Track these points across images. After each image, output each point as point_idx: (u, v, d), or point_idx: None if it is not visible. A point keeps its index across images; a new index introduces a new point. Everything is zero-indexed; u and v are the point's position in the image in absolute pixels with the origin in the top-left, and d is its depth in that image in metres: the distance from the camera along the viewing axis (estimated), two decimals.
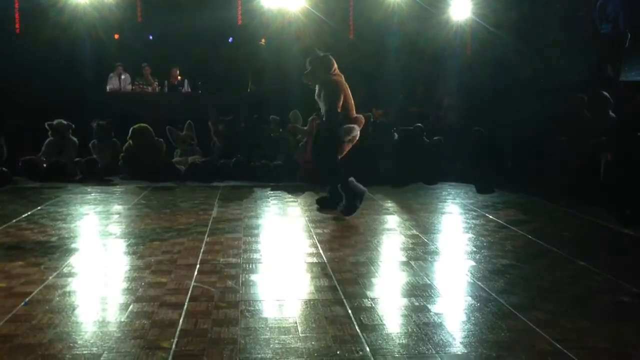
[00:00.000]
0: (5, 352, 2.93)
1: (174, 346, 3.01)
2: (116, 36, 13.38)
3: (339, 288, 3.95)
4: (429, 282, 4.12)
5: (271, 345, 3.03)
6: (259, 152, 9.58)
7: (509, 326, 3.32)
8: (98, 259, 4.70)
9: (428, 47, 12.41)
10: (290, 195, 7.70)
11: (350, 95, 6.39)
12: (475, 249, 5.05)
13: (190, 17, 12.20)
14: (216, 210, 6.62)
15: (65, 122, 9.21)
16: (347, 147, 6.38)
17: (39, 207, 6.65)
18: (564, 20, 10.90)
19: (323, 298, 3.76)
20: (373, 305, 3.64)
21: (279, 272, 4.37)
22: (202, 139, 10.02)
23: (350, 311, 3.52)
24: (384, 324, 3.33)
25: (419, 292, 3.88)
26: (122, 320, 3.34)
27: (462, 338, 3.16)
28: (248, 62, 12.56)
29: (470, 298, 3.80)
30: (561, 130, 8.38)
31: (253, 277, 4.19)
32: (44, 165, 8.84)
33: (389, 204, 7.16)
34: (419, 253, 4.88)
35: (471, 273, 4.35)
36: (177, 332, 3.17)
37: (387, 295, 3.87)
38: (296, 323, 3.33)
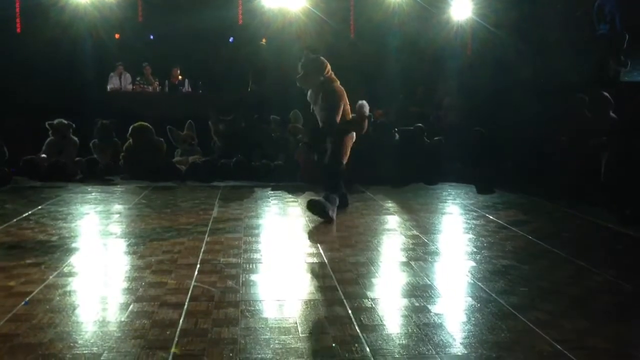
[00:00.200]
0: (6, 352, 2.93)
1: (174, 347, 3.01)
2: (117, 36, 13.40)
3: (339, 288, 3.95)
4: (429, 282, 4.12)
5: (271, 346, 3.03)
6: (259, 152, 9.59)
7: (509, 327, 3.32)
8: (98, 258, 4.70)
9: (428, 47, 12.41)
10: (290, 195, 7.70)
11: (347, 101, 6.38)
12: (475, 250, 5.05)
13: (191, 16, 12.21)
14: (216, 210, 6.62)
15: (65, 122, 9.22)
16: (349, 147, 6.38)
17: (39, 207, 6.65)
18: (564, 20, 10.90)
19: (323, 298, 3.76)
20: (373, 305, 3.64)
21: (279, 272, 4.37)
22: (202, 139, 10.03)
23: (350, 311, 3.52)
24: (384, 325, 3.34)
25: (419, 293, 3.88)
26: (123, 320, 3.34)
27: (462, 339, 3.16)
28: (249, 62, 12.57)
29: (470, 299, 3.80)
30: (562, 130, 8.38)
31: (253, 277, 4.19)
32: (45, 164, 8.84)
33: (390, 204, 7.16)
34: (419, 253, 4.88)
35: (471, 273, 4.35)
36: (178, 332, 3.17)
37: (388, 295, 3.87)
38: (296, 323, 3.33)
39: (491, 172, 8.72)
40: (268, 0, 12.37)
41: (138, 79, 12.51)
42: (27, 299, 3.65)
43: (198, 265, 4.42)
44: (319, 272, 4.33)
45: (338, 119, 6.24)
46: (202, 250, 4.88)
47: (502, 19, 11.52)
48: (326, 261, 4.60)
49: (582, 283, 4.16)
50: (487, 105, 10.33)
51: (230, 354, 2.93)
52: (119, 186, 8.34)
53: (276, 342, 3.08)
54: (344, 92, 6.33)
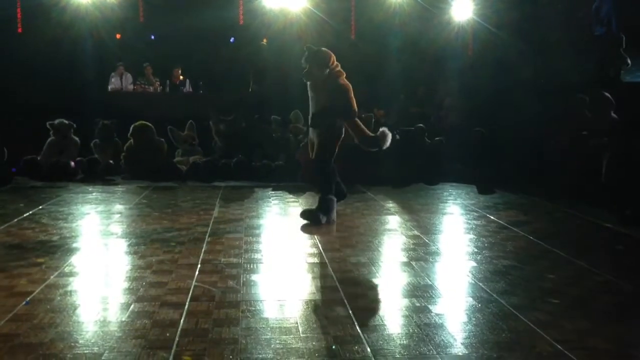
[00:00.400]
0: (7, 352, 2.93)
1: (175, 346, 3.01)
2: (118, 36, 13.40)
3: (340, 288, 3.95)
4: (430, 282, 4.12)
5: (272, 346, 3.03)
6: (260, 152, 9.59)
7: (510, 327, 3.32)
8: (99, 258, 4.70)
9: (429, 48, 12.42)
10: (291, 196, 7.70)
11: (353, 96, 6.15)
12: (476, 250, 5.05)
13: (192, 17, 12.22)
14: (217, 210, 6.62)
15: (66, 122, 9.23)
16: (337, 145, 6.08)
17: (40, 207, 6.66)
18: (565, 21, 10.92)
19: (324, 298, 3.76)
20: (374, 305, 3.64)
21: (280, 272, 4.37)
22: (203, 139, 10.03)
23: (351, 311, 3.52)
24: (385, 325, 3.34)
25: (420, 293, 3.88)
26: (123, 319, 3.35)
27: (463, 339, 3.16)
28: (249, 62, 12.58)
29: (471, 299, 3.80)
30: (562, 130, 8.37)
31: (254, 277, 4.19)
32: (49, 164, 8.85)
33: (390, 205, 7.16)
34: (420, 254, 4.88)
35: (472, 274, 4.35)
36: (178, 332, 3.18)
37: (388, 295, 3.87)
38: (297, 323, 3.33)
39: (492, 173, 8.72)
40: (269, 1, 12.37)
41: (139, 79, 12.50)
42: (28, 298, 3.66)
43: (199, 265, 4.43)
44: (319, 272, 4.33)
45: (354, 105, 5.96)
46: (203, 250, 4.88)
47: (503, 20, 11.53)
48: (327, 261, 4.60)
49: (582, 283, 4.16)
50: (488, 105, 10.34)
51: (231, 354, 2.93)
52: (119, 186, 8.34)
53: (277, 342, 3.08)
54: (350, 86, 6.03)
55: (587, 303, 3.76)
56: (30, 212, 6.33)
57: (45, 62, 11.04)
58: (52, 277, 4.10)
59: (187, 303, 3.62)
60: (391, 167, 8.78)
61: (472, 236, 5.58)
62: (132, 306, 3.55)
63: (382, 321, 3.39)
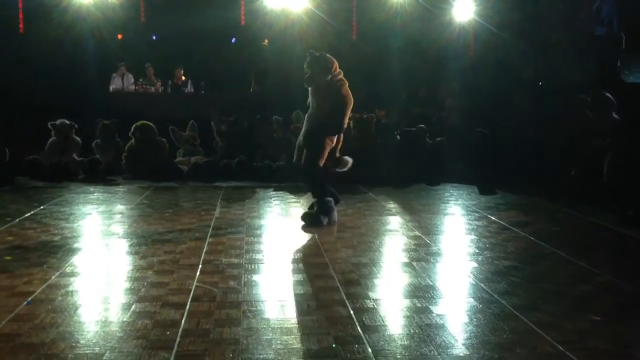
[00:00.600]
0: (8, 352, 2.94)
1: (176, 347, 3.01)
2: (119, 36, 13.42)
3: (341, 289, 3.95)
4: (431, 283, 4.12)
5: (273, 346, 3.04)
6: (261, 153, 9.59)
7: (511, 328, 3.32)
8: (101, 258, 4.71)
9: (431, 48, 12.41)
10: (292, 196, 7.70)
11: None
12: (477, 251, 5.05)
13: (193, 17, 12.23)
14: (219, 211, 6.63)
15: (68, 122, 9.23)
16: (326, 151, 6.01)
17: (41, 207, 6.66)
18: (566, 21, 10.92)
19: (325, 299, 3.76)
20: (375, 306, 3.64)
21: (281, 272, 4.38)
22: (204, 139, 10.03)
23: (352, 312, 3.52)
24: (386, 325, 3.34)
25: (421, 294, 3.88)
26: (125, 320, 3.35)
27: (464, 339, 3.16)
28: (251, 63, 12.58)
29: (472, 299, 3.80)
30: (564, 131, 8.37)
31: (255, 277, 4.20)
32: (50, 164, 8.86)
33: (391, 205, 7.16)
34: (421, 254, 4.88)
35: (473, 274, 4.35)
36: (179, 332, 3.18)
37: (389, 296, 3.87)
38: (298, 324, 3.34)
39: (493, 173, 8.72)
40: (270, 1, 12.37)
41: (140, 79, 12.51)
42: (30, 298, 3.66)
43: (200, 266, 4.43)
44: (321, 273, 4.33)
45: (346, 122, 6.00)
46: (204, 250, 4.88)
47: (504, 20, 11.53)
48: (328, 262, 4.61)
49: (584, 284, 4.16)
50: (489, 105, 10.33)
51: (232, 355, 2.93)
52: (121, 186, 8.35)
53: (278, 342, 3.08)
54: (351, 99, 5.97)
55: (588, 304, 3.76)
56: (32, 212, 6.34)
57: (47, 62, 11.05)
58: (53, 277, 4.10)
59: (188, 303, 3.62)
60: (392, 167, 8.79)
61: (473, 237, 5.58)
62: (133, 306, 3.56)
63: (383, 322, 3.39)
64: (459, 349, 3.05)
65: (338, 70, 5.98)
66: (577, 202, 7.11)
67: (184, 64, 13.00)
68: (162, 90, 12.56)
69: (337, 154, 6.20)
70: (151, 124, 9.28)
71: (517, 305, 3.67)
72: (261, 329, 3.25)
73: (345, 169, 6.21)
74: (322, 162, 5.98)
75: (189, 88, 12.85)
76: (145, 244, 5.09)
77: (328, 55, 6.05)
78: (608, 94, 8.23)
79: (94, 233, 5.67)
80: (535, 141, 8.64)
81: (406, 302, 3.71)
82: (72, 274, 4.19)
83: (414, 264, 4.59)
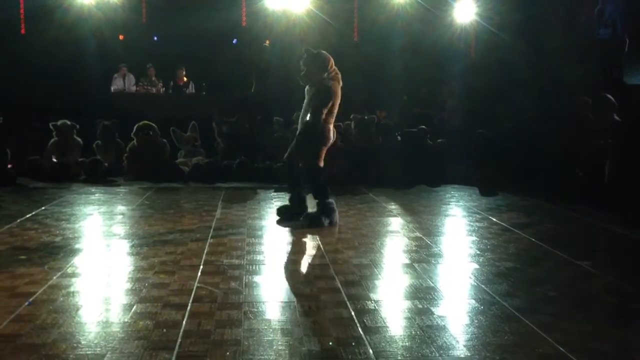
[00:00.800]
0: (9, 352, 2.94)
1: (177, 347, 3.01)
2: (121, 37, 13.42)
3: (342, 290, 3.95)
4: (432, 284, 4.12)
5: (274, 347, 3.04)
6: (262, 154, 9.59)
7: (512, 329, 3.32)
8: (102, 259, 4.71)
9: (432, 49, 12.41)
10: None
11: (337, 105, 5.95)
12: (478, 252, 5.04)
13: (195, 18, 12.23)
14: (220, 212, 6.63)
15: (69, 123, 9.24)
16: (324, 151, 5.97)
17: (43, 208, 6.67)
18: (566, 22, 10.91)
19: (326, 300, 3.76)
20: (376, 307, 3.64)
21: (282, 273, 4.38)
22: (205, 140, 10.03)
23: (353, 313, 3.52)
24: (387, 327, 3.34)
25: (422, 295, 3.88)
26: (126, 320, 3.35)
27: (466, 341, 3.16)
28: (252, 64, 12.59)
29: (473, 301, 3.80)
30: (565, 132, 8.36)
31: (256, 278, 4.20)
32: (51, 165, 8.86)
33: (392, 206, 7.16)
34: (422, 255, 4.88)
35: (474, 276, 4.34)
36: (181, 333, 3.18)
37: (391, 297, 3.87)
38: (299, 325, 3.33)
39: (494, 174, 8.71)
40: (272, 2, 12.37)
41: (141, 80, 12.51)
42: (31, 299, 3.67)
43: (201, 267, 4.43)
44: (322, 274, 4.33)
45: (322, 118, 5.83)
46: (205, 251, 4.88)
47: (505, 21, 11.52)
48: (329, 263, 4.60)
49: (585, 285, 4.16)
50: (490, 107, 10.32)
51: (233, 356, 2.93)
52: (122, 187, 8.35)
53: (279, 343, 3.08)
54: (339, 94, 5.90)
55: (590, 305, 3.76)
56: (33, 213, 6.34)
57: (48, 63, 11.06)
58: (54, 277, 4.10)
59: (189, 304, 3.62)
60: (393, 168, 8.78)
61: (474, 238, 5.58)
62: (134, 307, 3.56)
63: (385, 323, 3.39)
64: (460, 350, 3.05)
65: (334, 68, 5.94)
66: (578, 204, 7.10)
67: (185, 65, 13.00)
68: (164, 91, 12.56)
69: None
70: (153, 124, 9.28)
71: (518, 306, 3.67)
72: (262, 330, 3.25)
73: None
74: (321, 162, 5.97)
75: (190, 89, 12.85)
76: (147, 244, 5.10)
77: (325, 52, 6.00)
78: (609, 96, 8.22)
79: (95, 234, 5.67)
80: (536, 142, 8.63)
81: (407, 304, 3.71)
82: (73, 275, 4.19)
83: (415, 265, 4.59)
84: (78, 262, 4.51)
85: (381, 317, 3.47)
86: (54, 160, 9.02)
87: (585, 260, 4.72)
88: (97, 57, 11.77)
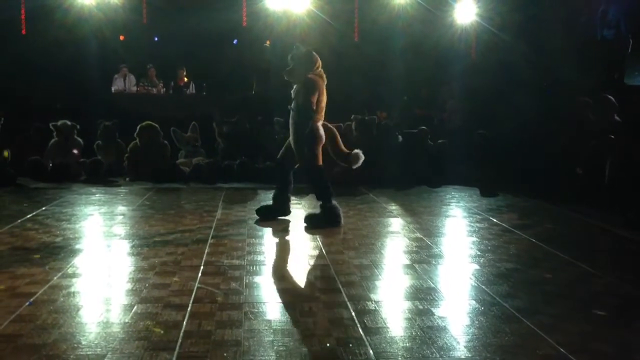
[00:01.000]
0: (10, 352, 2.94)
1: (177, 348, 3.02)
2: (121, 37, 13.43)
3: (342, 290, 3.95)
4: (432, 285, 4.12)
5: (275, 348, 3.04)
6: (263, 154, 9.59)
7: (513, 330, 3.32)
8: (102, 259, 4.71)
9: (432, 50, 12.42)
10: (294, 197, 7.66)
11: (324, 100, 5.96)
12: (479, 253, 5.04)
13: (195, 18, 12.24)
14: (220, 212, 6.63)
15: (69, 123, 9.24)
16: (319, 148, 5.97)
17: (43, 208, 6.67)
18: (567, 23, 10.91)
19: (327, 300, 3.76)
20: (377, 308, 3.64)
21: (282, 274, 4.38)
22: (206, 141, 10.04)
23: (353, 314, 3.52)
24: (388, 327, 3.34)
25: (423, 296, 3.88)
26: (126, 321, 3.35)
27: (466, 342, 3.16)
28: (253, 64, 12.59)
29: (474, 302, 3.80)
30: (565, 133, 8.36)
31: (257, 279, 4.20)
32: (50, 165, 8.87)
33: (393, 207, 7.16)
34: (423, 256, 4.88)
35: (475, 277, 4.34)
36: (181, 334, 3.18)
37: (391, 298, 3.87)
38: (300, 325, 3.34)
39: (494, 175, 8.71)
40: (272, 3, 12.38)
41: (142, 80, 12.51)
42: (31, 299, 3.67)
43: (202, 267, 4.43)
44: (322, 275, 4.33)
45: (313, 104, 5.82)
46: (206, 252, 4.88)
47: (506, 22, 11.53)
48: (330, 263, 4.60)
49: (585, 286, 4.16)
50: (491, 107, 10.33)
51: (234, 356, 2.93)
52: (122, 187, 8.35)
53: (280, 344, 3.08)
54: (324, 89, 5.92)
55: (591, 306, 3.76)
56: (34, 213, 6.35)
57: (49, 63, 11.07)
58: (55, 278, 4.10)
59: (190, 305, 3.62)
60: (394, 169, 8.78)
61: (474, 239, 5.58)
62: (135, 307, 3.56)
63: (385, 324, 3.39)
64: (461, 351, 3.05)
65: (320, 70, 6.00)
66: (578, 204, 7.10)
67: (185, 65, 13.01)
68: (164, 91, 12.57)
69: (345, 150, 6.19)
70: (156, 125, 9.29)
71: (519, 307, 3.66)
72: (263, 330, 3.25)
73: (359, 164, 6.14)
74: (320, 161, 5.96)
75: (191, 89, 12.85)
76: (147, 245, 5.10)
77: (314, 53, 6.06)
78: (610, 96, 8.22)
79: (96, 234, 5.67)
80: (537, 143, 8.63)
81: (408, 304, 3.71)
82: (74, 275, 4.20)
83: (416, 266, 4.59)
84: (79, 263, 4.52)
85: (382, 318, 3.47)
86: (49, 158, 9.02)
87: (586, 262, 4.72)
88: (97, 58, 11.78)
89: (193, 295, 3.79)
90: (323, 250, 4.99)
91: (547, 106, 9.14)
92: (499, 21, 11.71)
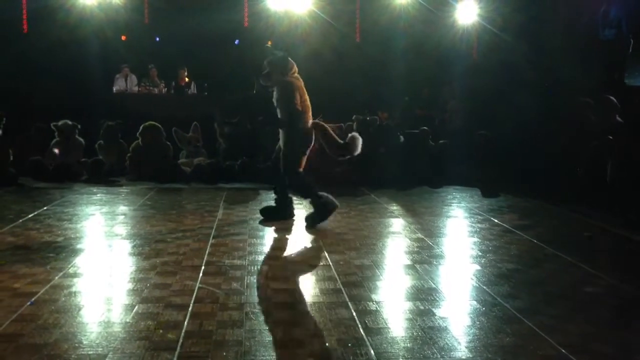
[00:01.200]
0: (11, 352, 2.94)
1: (179, 348, 3.02)
2: (123, 37, 13.44)
3: (343, 291, 3.95)
4: (434, 285, 4.12)
5: (275, 348, 3.04)
6: (264, 154, 9.58)
7: (514, 331, 3.32)
8: (104, 259, 4.72)
9: (434, 50, 12.42)
10: (294, 198, 7.68)
11: (307, 99, 6.00)
12: (480, 253, 5.04)
13: (197, 19, 12.24)
14: (221, 212, 6.63)
15: (71, 123, 9.25)
16: (303, 158, 6.05)
17: (45, 208, 6.68)
18: (568, 24, 10.91)
19: (328, 301, 3.76)
20: (378, 308, 3.64)
21: (283, 274, 4.38)
22: (207, 141, 10.04)
23: (355, 314, 3.52)
24: (389, 328, 3.34)
25: (424, 296, 3.88)
26: (128, 321, 3.36)
27: (467, 342, 3.16)
28: (254, 64, 12.58)
29: (475, 302, 3.80)
30: (566, 133, 8.36)
31: (258, 279, 4.20)
32: (52, 165, 8.88)
33: (394, 207, 7.16)
34: (424, 256, 4.88)
35: (476, 277, 4.34)
36: (182, 334, 3.18)
37: (392, 298, 3.87)
38: (301, 326, 3.34)
39: (495, 175, 8.71)
40: (274, 3, 12.38)
41: (143, 80, 12.52)
42: (33, 299, 3.67)
43: (203, 267, 4.43)
44: (323, 275, 4.33)
45: (298, 106, 5.87)
46: (207, 252, 4.89)
47: (507, 22, 11.53)
48: (331, 264, 4.61)
49: (586, 287, 4.15)
50: (492, 108, 10.32)
51: (235, 356, 2.94)
52: (124, 187, 8.35)
53: (280, 344, 3.08)
54: (304, 89, 5.96)
55: (592, 307, 3.76)
56: (35, 213, 6.35)
57: (50, 63, 11.08)
58: (56, 277, 4.11)
59: (191, 305, 3.63)
60: (395, 169, 8.78)
61: (476, 239, 5.58)
62: (136, 307, 3.56)
63: (386, 324, 3.39)
64: (462, 351, 3.05)
65: (296, 75, 6.02)
66: (579, 205, 7.10)
67: (187, 66, 13.02)
68: (165, 91, 12.58)
69: (340, 140, 6.19)
70: (159, 125, 9.29)
71: (520, 308, 3.67)
72: (264, 330, 3.26)
73: (359, 149, 6.13)
74: (300, 168, 6.01)
75: (192, 89, 12.86)
76: (148, 245, 5.10)
77: (290, 58, 6.06)
78: (611, 97, 8.22)
79: (97, 234, 5.67)
80: (538, 143, 8.62)
81: (409, 305, 3.71)
82: (75, 275, 4.20)
83: (417, 266, 4.59)
84: (80, 262, 4.52)
85: (383, 318, 3.47)
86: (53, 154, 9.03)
87: (586, 262, 4.72)
88: (99, 58, 11.79)
89: (194, 295, 3.79)
90: (324, 251, 5.00)
91: (548, 106, 9.13)
92: (501, 22, 11.72)
